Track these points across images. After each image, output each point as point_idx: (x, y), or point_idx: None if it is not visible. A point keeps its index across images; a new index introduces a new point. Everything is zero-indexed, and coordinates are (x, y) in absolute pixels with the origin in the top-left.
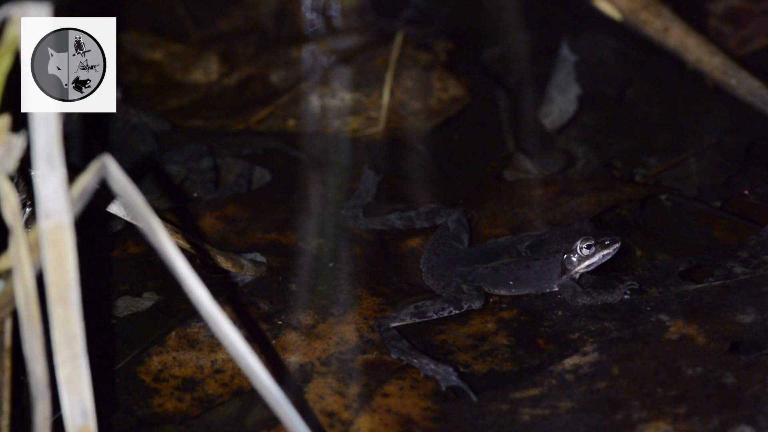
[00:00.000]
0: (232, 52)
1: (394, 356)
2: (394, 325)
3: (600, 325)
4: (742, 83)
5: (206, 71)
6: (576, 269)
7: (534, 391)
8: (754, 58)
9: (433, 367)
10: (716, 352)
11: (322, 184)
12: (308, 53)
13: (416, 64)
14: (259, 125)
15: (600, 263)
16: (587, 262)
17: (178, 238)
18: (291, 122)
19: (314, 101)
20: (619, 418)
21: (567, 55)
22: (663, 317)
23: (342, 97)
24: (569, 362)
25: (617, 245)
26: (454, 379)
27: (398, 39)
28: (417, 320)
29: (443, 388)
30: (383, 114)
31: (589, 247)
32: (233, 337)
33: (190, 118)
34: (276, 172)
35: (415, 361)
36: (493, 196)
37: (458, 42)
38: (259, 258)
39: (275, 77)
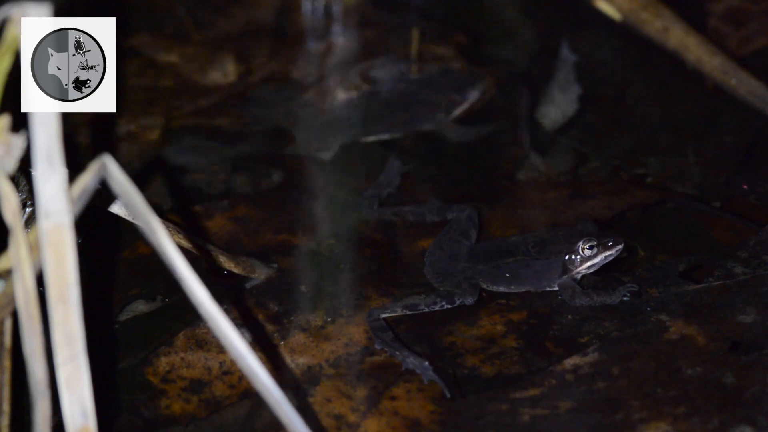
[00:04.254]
0: (245, 51)
1: (377, 346)
2: (384, 316)
3: (604, 327)
4: (742, 83)
5: (223, 71)
6: (577, 270)
7: (534, 391)
8: (754, 58)
9: (412, 360)
10: (716, 352)
11: (333, 185)
12: (325, 49)
13: (437, 57)
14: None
15: (602, 264)
16: (589, 263)
17: (180, 238)
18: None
19: (340, 95)
20: (619, 418)
21: (567, 55)
22: (663, 317)
23: (362, 90)
24: (569, 362)
25: (620, 246)
26: (430, 374)
27: (415, 33)
28: (408, 312)
29: (425, 381)
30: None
31: (591, 247)
32: (233, 338)
33: (216, 117)
34: (287, 172)
35: (396, 353)
36: (505, 198)
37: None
38: (272, 264)
39: (296, 74)
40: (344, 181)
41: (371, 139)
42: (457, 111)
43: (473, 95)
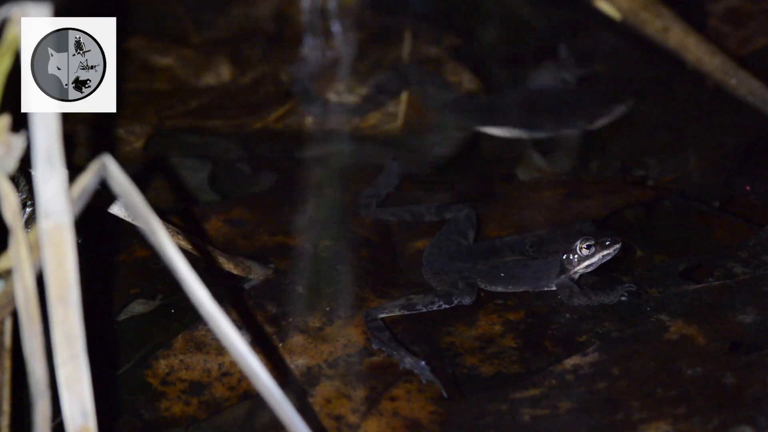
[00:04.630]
0: (239, 53)
1: (375, 346)
2: (381, 316)
3: (603, 327)
4: (742, 83)
5: (217, 74)
6: (575, 269)
7: (534, 392)
8: (753, 57)
9: (410, 360)
10: (716, 352)
11: (328, 186)
12: (318, 51)
13: (428, 58)
14: (277, 123)
15: (600, 264)
16: (587, 263)
17: (179, 239)
18: (309, 119)
19: (332, 98)
20: (619, 418)
21: (567, 55)
22: (663, 317)
23: (359, 92)
24: (569, 362)
25: (617, 246)
26: (428, 374)
27: (407, 34)
28: (406, 312)
29: (423, 381)
30: (402, 109)
31: (588, 247)
32: (234, 338)
33: (208, 118)
34: (281, 173)
35: (394, 353)
36: (501, 198)
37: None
38: (269, 265)
39: (287, 76)
40: (339, 182)
41: (504, 133)
42: (599, 122)
43: (618, 109)
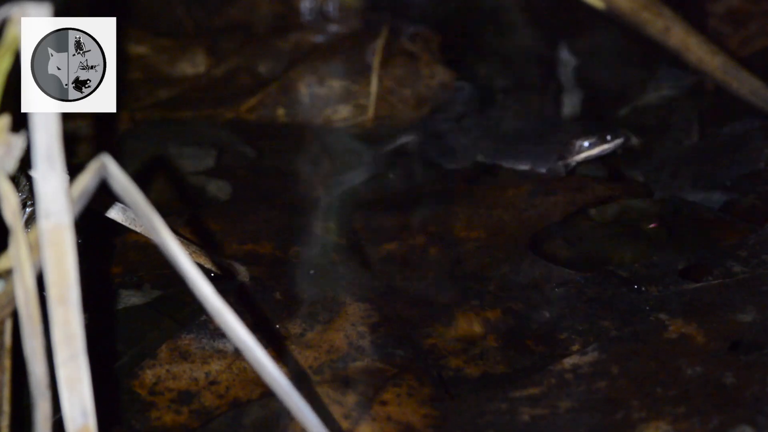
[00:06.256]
0: (218, 45)
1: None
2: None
3: (588, 325)
4: (743, 83)
5: (193, 63)
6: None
7: (534, 391)
8: (754, 58)
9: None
10: (716, 351)
11: (289, 192)
12: (294, 43)
13: (403, 51)
14: (248, 114)
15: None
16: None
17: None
18: (281, 111)
19: (303, 89)
20: (619, 418)
21: (567, 57)
22: (662, 316)
23: (330, 84)
24: (569, 362)
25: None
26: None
27: (384, 28)
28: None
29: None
30: (372, 101)
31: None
32: (240, 331)
33: (178, 109)
34: (240, 182)
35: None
36: (465, 198)
37: (456, 38)
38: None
39: (263, 67)
40: (298, 188)
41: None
42: (575, 159)
43: (602, 147)
